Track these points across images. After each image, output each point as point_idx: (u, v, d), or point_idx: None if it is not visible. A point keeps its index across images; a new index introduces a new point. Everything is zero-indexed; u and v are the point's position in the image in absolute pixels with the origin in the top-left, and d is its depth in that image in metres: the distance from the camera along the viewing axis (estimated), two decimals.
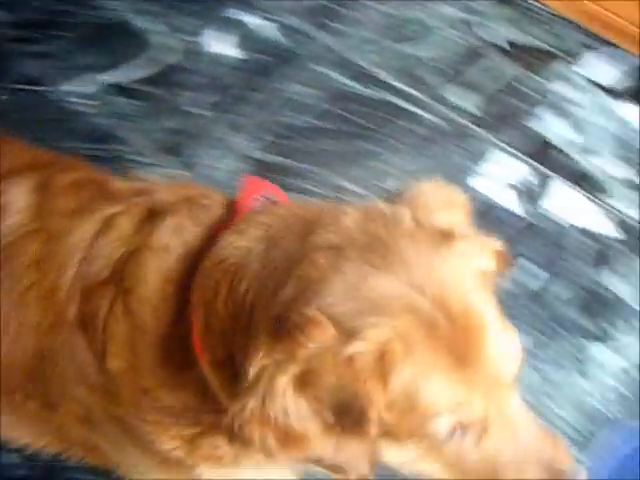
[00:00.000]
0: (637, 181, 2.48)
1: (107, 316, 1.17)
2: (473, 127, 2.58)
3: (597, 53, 2.80)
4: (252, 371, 0.95)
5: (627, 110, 2.67)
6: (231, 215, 1.17)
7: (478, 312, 0.98)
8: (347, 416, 0.95)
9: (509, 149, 2.54)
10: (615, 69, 2.77)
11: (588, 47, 2.81)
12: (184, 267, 1.14)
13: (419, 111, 2.60)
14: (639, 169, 2.51)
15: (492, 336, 0.98)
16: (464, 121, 2.59)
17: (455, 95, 2.65)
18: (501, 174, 2.48)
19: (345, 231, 1.01)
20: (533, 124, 2.61)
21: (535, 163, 2.52)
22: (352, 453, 0.98)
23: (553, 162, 2.51)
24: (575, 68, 2.77)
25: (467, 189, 2.38)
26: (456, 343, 0.95)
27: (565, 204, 2.43)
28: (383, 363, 0.93)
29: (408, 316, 0.94)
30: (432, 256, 0.99)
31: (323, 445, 0.98)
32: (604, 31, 2.79)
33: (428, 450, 1.01)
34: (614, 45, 2.81)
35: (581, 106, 2.67)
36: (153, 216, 1.20)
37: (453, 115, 2.60)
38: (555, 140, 2.58)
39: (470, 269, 1.01)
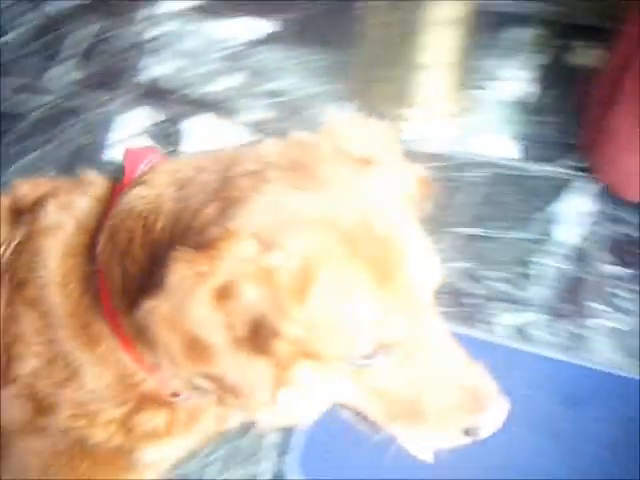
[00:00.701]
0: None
1: (6, 316, 1.08)
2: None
3: None
4: (170, 278, 0.89)
5: (216, 25, 2.75)
6: (120, 183, 1.11)
7: (399, 232, 0.97)
8: (260, 331, 0.91)
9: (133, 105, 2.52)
10: None
11: None
12: (84, 237, 1.08)
13: None
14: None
15: (413, 256, 0.97)
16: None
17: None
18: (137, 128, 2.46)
19: (266, 158, 1.00)
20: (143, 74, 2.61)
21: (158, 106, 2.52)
22: (258, 374, 0.94)
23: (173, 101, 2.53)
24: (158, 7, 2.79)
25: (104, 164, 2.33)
26: (377, 262, 0.93)
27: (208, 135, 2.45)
28: (302, 277, 0.91)
29: (329, 232, 0.92)
30: (353, 178, 0.99)
31: (229, 361, 0.93)
32: None
33: (349, 375, 0.99)
34: None
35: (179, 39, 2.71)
36: (24, 210, 1.13)
37: None
38: (168, 79, 2.60)
39: (390, 191, 1.01)
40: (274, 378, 0.95)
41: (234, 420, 1.26)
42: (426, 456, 1.13)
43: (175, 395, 1.12)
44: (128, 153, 1.15)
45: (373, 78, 2.35)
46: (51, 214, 1.10)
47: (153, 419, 1.13)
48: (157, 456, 1.21)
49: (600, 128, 2.21)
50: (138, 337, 0.99)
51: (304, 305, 0.91)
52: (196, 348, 0.92)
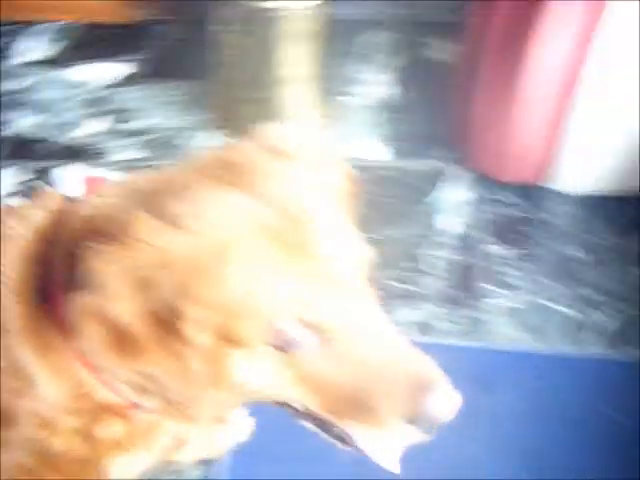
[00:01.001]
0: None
1: None
2: None
3: (22, 37, 2.79)
4: (94, 271, 0.90)
5: (71, 72, 2.71)
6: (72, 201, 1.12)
7: (314, 216, 0.98)
8: (176, 319, 0.91)
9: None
10: (40, 43, 2.78)
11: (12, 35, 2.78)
12: (42, 246, 1.08)
13: None
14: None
15: (329, 237, 0.97)
16: None
17: None
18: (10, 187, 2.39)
19: (197, 163, 1.04)
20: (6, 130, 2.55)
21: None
22: (191, 371, 0.94)
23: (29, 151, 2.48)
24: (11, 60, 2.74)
25: None
26: (291, 243, 0.94)
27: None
28: (210, 259, 0.91)
29: (241, 218, 0.94)
30: (273, 168, 1.01)
31: (157, 355, 0.93)
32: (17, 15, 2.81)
33: (282, 362, 0.97)
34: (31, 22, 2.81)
35: (37, 90, 2.65)
36: None
37: None
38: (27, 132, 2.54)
39: (310, 181, 1.03)
40: (209, 374, 0.95)
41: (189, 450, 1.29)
42: (391, 465, 1.09)
43: (132, 407, 1.11)
44: (87, 180, 1.17)
45: (238, 100, 2.35)
46: (9, 224, 1.11)
47: (112, 428, 1.13)
48: (124, 468, 1.20)
49: (466, 118, 2.27)
50: (66, 330, 0.99)
51: (212, 288, 0.92)
52: (123, 341, 0.92)
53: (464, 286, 2.16)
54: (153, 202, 0.97)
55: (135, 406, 1.11)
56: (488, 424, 1.90)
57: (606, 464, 1.85)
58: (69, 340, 1.04)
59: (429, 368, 0.99)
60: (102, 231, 0.97)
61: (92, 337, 0.92)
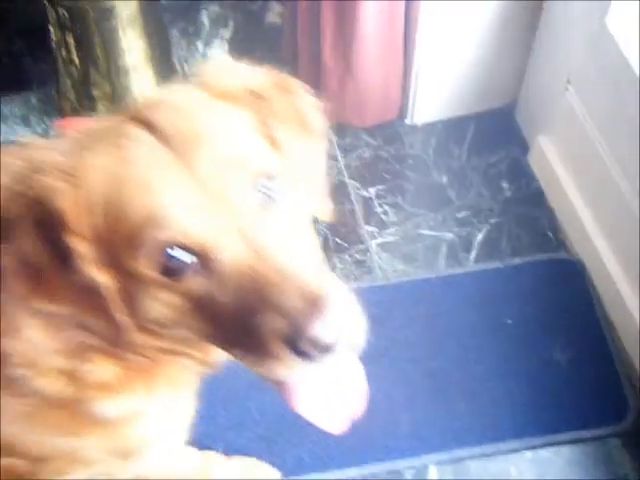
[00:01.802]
0: None
1: None
2: None
3: None
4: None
5: None
6: None
7: (198, 126, 0.95)
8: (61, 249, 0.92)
9: None
10: None
11: None
12: None
13: None
14: None
15: (214, 148, 0.94)
16: None
17: None
18: None
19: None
20: None
21: None
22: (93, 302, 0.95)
23: None
24: None
25: None
26: (159, 156, 0.92)
27: None
28: (83, 184, 0.93)
29: (118, 143, 0.94)
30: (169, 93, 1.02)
31: (64, 290, 0.94)
32: None
33: (169, 291, 0.94)
34: None
35: None
36: None
37: None
38: None
39: (201, 95, 1.01)
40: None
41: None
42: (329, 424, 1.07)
43: (126, 346, 1.05)
44: (59, 124, 1.18)
45: (91, 97, 2.34)
46: None
47: (100, 370, 1.10)
48: (117, 411, 1.15)
49: (314, 70, 2.32)
50: None
51: (92, 213, 0.92)
52: (31, 279, 0.94)
53: (346, 232, 2.26)
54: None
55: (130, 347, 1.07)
56: (390, 358, 2.02)
57: (506, 369, 2.01)
58: None
59: (321, 288, 0.91)
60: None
61: (9, 279, 0.93)
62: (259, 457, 1.85)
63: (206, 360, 1.17)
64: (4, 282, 0.95)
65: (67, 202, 0.92)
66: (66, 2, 2.08)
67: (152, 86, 2.31)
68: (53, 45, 2.25)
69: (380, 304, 2.09)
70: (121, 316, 0.97)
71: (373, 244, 2.23)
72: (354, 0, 2.02)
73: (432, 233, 2.25)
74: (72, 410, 1.15)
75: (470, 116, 2.45)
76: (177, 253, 0.91)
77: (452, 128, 2.45)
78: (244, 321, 0.92)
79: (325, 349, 0.91)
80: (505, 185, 2.34)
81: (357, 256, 2.22)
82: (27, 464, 1.24)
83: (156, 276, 0.93)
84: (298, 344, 0.89)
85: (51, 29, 2.21)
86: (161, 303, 0.96)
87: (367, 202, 2.31)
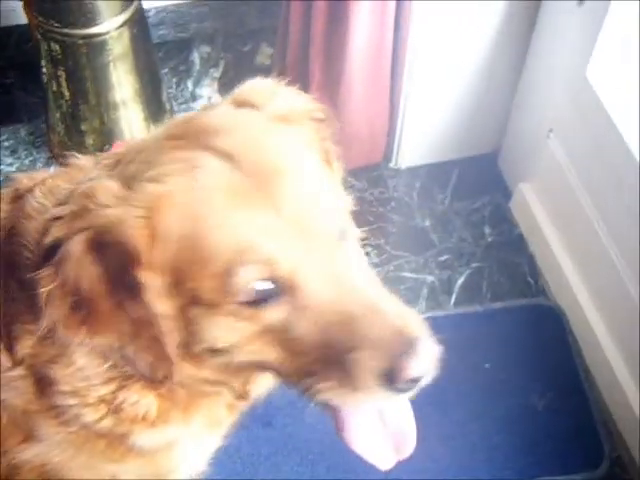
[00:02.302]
0: None
1: (3, 300, 1.09)
2: None
3: None
4: (49, 240, 0.92)
5: None
6: None
7: (280, 163, 0.94)
8: (126, 281, 0.91)
9: None
10: None
11: None
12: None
13: None
14: None
15: (296, 184, 0.93)
16: None
17: None
18: None
19: (167, 131, 1.03)
20: None
21: None
22: (153, 333, 0.94)
23: None
24: None
25: None
26: (247, 192, 0.91)
27: None
28: (153, 217, 0.90)
29: (187, 172, 0.92)
30: (236, 121, 1.00)
31: (119, 320, 0.93)
32: None
33: (249, 321, 0.93)
34: None
35: None
36: (21, 196, 1.15)
37: None
38: None
39: (278, 126, 1.00)
40: (176, 335, 0.95)
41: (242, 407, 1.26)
42: (381, 463, 1.07)
43: (165, 378, 1.04)
44: (114, 146, 1.18)
45: (80, 131, 2.36)
46: (36, 199, 1.12)
47: (141, 401, 1.11)
48: (156, 443, 1.17)
49: None
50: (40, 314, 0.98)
51: (159, 245, 0.91)
52: (85, 310, 0.93)
53: None
54: (121, 171, 0.99)
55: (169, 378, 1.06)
56: None
57: (483, 413, 2.01)
58: None
59: (412, 324, 0.93)
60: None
61: (57, 310, 0.93)
62: None
63: (244, 392, 1.18)
64: (55, 312, 0.95)
65: (138, 236, 0.91)
66: (59, 37, 2.11)
67: (140, 122, 2.33)
68: (44, 79, 2.28)
69: None
70: (172, 348, 0.97)
71: None
72: (342, 43, 2.06)
73: (413, 275, 2.27)
74: (112, 439, 1.16)
75: (454, 161, 2.49)
76: (263, 285, 0.91)
77: (436, 172, 2.48)
78: (330, 353, 0.92)
79: (415, 382, 0.94)
80: (487, 230, 2.36)
81: None
82: None
83: (237, 307, 0.92)
84: (395, 381, 0.91)
85: (43, 63, 2.23)
86: (234, 332, 0.95)
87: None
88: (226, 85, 2.67)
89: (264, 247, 0.90)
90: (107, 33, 2.10)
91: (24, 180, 1.21)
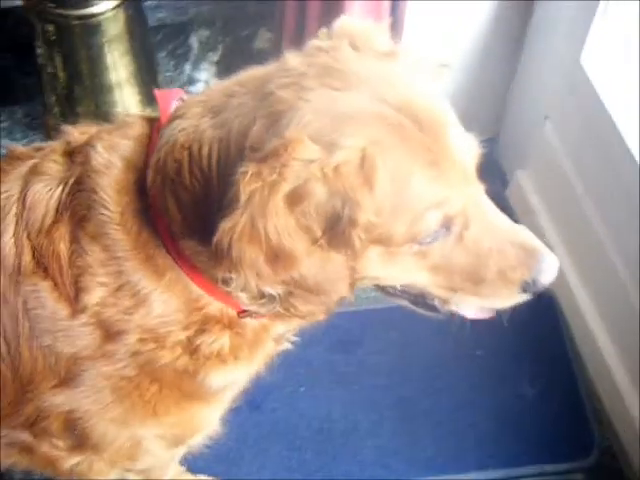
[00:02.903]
0: None
1: (71, 252, 1.12)
2: None
3: None
4: (242, 194, 0.94)
5: None
6: (158, 121, 1.14)
7: (441, 113, 1.03)
8: (336, 228, 0.97)
9: None
10: None
11: None
12: (133, 175, 1.12)
13: None
14: None
15: (456, 133, 1.03)
16: None
17: None
18: None
19: (295, 70, 1.03)
20: None
21: None
22: (336, 268, 1.01)
23: None
24: None
25: None
26: (427, 143, 0.99)
27: None
28: (366, 167, 0.96)
29: (379, 124, 0.98)
30: (386, 70, 1.05)
31: (310, 262, 0.99)
32: None
33: (418, 254, 1.05)
34: None
35: None
36: (76, 152, 1.17)
37: None
38: None
39: (421, 77, 1.08)
40: (351, 269, 1.03)
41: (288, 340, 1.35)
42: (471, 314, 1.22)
43: (242, 314, 1.16)
44: (158, 94, 1.18)
45: (75, 113, 2.36)
46: (100, 155, 1.13)
47: (217, 340, 1.17)
48: (224, 381, 1.24)
49: None
50: (216, 258, 1.00)
51: (372, 193, 0.97)
52: (280, 256, 0.98)
53: None
54: (272, 120, 1.00)
55: (248, 314, 1.16)
56: (359, 384, 2.03)
57: (473, 401, 2.01)
58: (181, 259, 1.10)
59: (533, 239, 1.11)
60: (228, 157, 1.02)
61: (251, 259, 0.97)
62: None
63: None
64: (246, 255, 0.98)
65: (356, 185, 0.97)
66: (54, 18, 2.10)
67: (136, 104, 2.33)
68: (39, 60, 2.27)
69: (351, 330, 2.10)
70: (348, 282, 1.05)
71: None
72: None
73: None
74: (179, 379, 1.21)
75: None
76: (438, 223, 1.03)
77: None
78: (479, 273, 1.09)
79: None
80: None
81: None
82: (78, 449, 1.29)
83: (416, 245, 1.04)
84: (533, 289, 1.12)
85: (38, 44, 2.23)
86: (405, 267, 1.07)
87: None
88: (224, 69, 2.66)
89: (453, 198, 1.01)
90: (102, 14, 2.09)
91: (75, 134, 1.22)
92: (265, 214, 0.95)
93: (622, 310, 1.90)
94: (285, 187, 0.95)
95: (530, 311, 2.11)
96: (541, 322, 2.13)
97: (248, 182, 0.95)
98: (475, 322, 2.05)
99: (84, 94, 2.28)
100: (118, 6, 2.09)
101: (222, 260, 0.99)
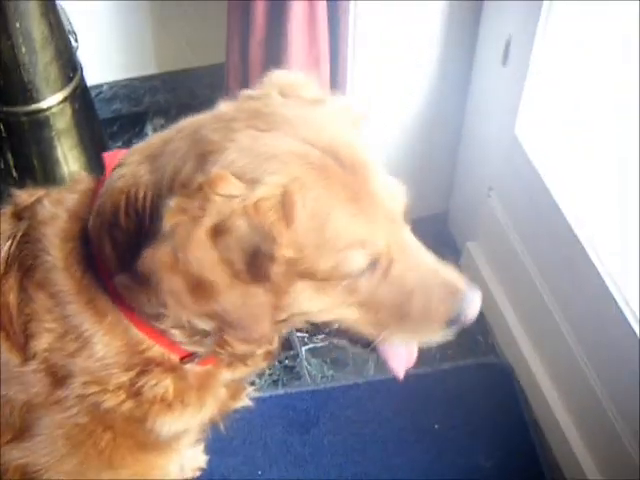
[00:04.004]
0: None
1: (19, 300, 1.16)
2: None
3: None
4: (166, 225, 0.98)
5: None
6: (104, 176, 1.19)
7: (364, 156, 1.07)
8: (256, 262, 1.00)
9: None
10: None
11: None
12: (77, 224, 1.17)
13: None
14: None
15: (380, 175, 1.07)
16: None
17: None
18: None
19: (225, 115, 1.09)
20: None
21: None
22: (257, 303, 1.03)
23: None
24: None
25: None
26: (349, 182, 1.03)
27: None
28: (285, 203, 0.99)
29: (301, 163, 1.02)
30: (311, 114, 1.09)
31: (231, 295, 1.02)
32: None
33: (345, 289, 1.08)
34: None
35: None
36: (24, 211, 1.22)
37: None
38: None
39: (347, 121, 1.12)
40: (273, 304, 1.05)
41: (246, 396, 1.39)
42: (400, 372, 1.26)
43: (184, 360, 1.20)
44: (106, 156, 1.22)
45: None
46: (46, 209, 1.18)
47: (160, 383, 1.20)
48: (173, 428, 1.25)
49: None
50: (141, 288, 1.03)
51: (291, 228, 1.00)
52: (199, 287, 1.00)
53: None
54: (202, 160, 1.04)
55: (189, 357, 1.20)
56: (315, 464, 2.01)
57: (431, 475, 1.99)
58: (121, 302, 1.14)
59: (457, 276, 1.15)
60: (159, 195, 1.06)
61: (171, 288, 1.00)
62: None
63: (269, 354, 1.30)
64: (170, 287, 1.01)
65: (274, 221, 1.00)
66: (2, 116, 2.14)
67: None
68: None
69: (307, 410, 2.09)
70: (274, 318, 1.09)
71: (303, 350, 2.23)
72: None
73: None
74: (128, 425, 1.22)
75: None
76: (366, 262, 1.06)
77: None
78: (404, 309, 1.12)
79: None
80: None
81: (287, 362, 2.22)
82: None
83: (342, 281, 1.07)
84: (457, 323, 1.15)
85: None
86: (332, 301, 1.10)
87: None
88: None
89: (377, 237, 1.05)
90: (49, 109, 2.13)
91: (24, 196, 1.27)
92: (187, 245, 0.99)
93: (575, 378, 1.90)
94: (207, 221, 0.99)
95: (487, 381, 2.14)
96: (498, 392, 2.13)
97: (173, 214, 0.99)
98: (431, 396, 2.06)
99: (36, 187, 2.30)
100: (64, 100, 2.13)
101: (146, 288, 1.02)
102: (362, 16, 1.91)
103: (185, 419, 1.26)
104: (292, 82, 1.16)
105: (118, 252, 1.12)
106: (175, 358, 1.20)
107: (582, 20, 1.72)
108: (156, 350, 1.19)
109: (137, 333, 1.17)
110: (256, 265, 1.01)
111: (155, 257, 0.99)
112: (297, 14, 1.75)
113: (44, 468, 1.24)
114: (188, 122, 1.14)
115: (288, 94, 1.13)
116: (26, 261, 1.17)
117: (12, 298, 1.17)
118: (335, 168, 1.03)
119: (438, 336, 1.18)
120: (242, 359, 1.23)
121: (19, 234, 1.20)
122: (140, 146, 1.18)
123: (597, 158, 1.79)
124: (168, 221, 0.99)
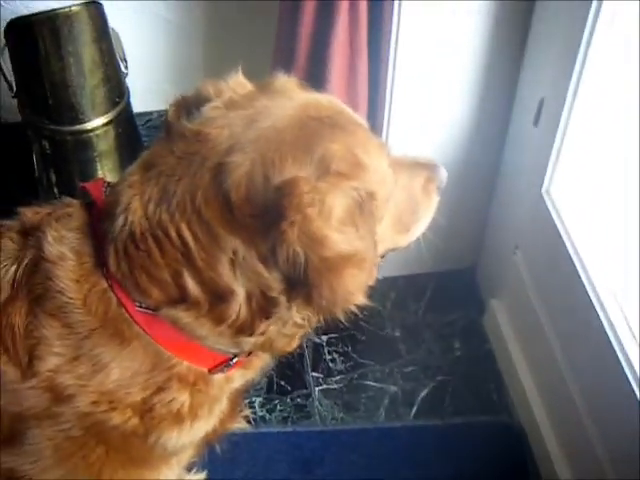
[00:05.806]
0: None
1: (27, 323, 1.16)
2: None
3: None
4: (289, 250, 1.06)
5: None
6: (95, 208, 1.22)
7: (337, 109, 1.23)
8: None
9: None
10: None
11: None
12: (87, 264, 1.18)
13: None
14: None
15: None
16: None
17: None
18: None
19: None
20: None
21: None
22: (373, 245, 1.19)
23: None
24: None
25: None
26: (353, 131, 1.19)
27: None
28: (351, 159, 1.15)
29: (333, 130, 1.16)
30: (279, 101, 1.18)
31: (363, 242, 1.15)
32: None
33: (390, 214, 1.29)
34: None
35: None
36: (28, 232, 1.23)
37: None
38: None
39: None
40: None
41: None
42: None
43: (213, 370, 1.23)
44: (88, 186, 1.26)
45: None
46: (52, 246, 1.19)
47: (177, 399, 1.22)
48: (181, 441, 1.26)
49: None
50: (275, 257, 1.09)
51: (368, 171, 1.17)
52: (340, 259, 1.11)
53: (291, 375, 2.27)
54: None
55: (219, 369, 1.24)
56: None
57: None
58: (151, 327, 1.17)
59: (424, 157, 1.39)
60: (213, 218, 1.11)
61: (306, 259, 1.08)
62: None
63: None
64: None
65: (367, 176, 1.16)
66: (48, 134, 2.22)
67: None
68: (36, 174, 2.39)
69: (313, 450, 2.09)
70: None
71: (316, 390, 2.24)
72: None
73: (377, 385, 2.26)
74: (126, 442, 1.23)
75: (431, 274, 2.50)
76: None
77: (412, 284, 2.49)
78: (415, 200, 1.36)
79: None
80: (457, 344, 2.36)
81: (298, 400, 2.22)
82: None
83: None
84: (440, 189, 1.38)
85: (34, 159, 2.34)
86: (389, 223, 1.32)
87: (318, 348, 2.34)
88: None
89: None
90: (93, 130, 2.20)
91: (28, 214, 1.29)
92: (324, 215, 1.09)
93: (585, 452, 1.86)
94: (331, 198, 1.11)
95: (497, 440, 2.11)
96: (508, 453, 2.11)
97: (300, 193, 1.07)
98: (440, 450, 2.04)
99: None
100: (108, 123, 2.21)
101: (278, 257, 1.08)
102: (401, 67, 1.95)
103: (194, 432, 1.28)
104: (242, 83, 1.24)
105: (164, 290, 1.15)
106: (201, 370, 1.23)
107: (613, 82, 1.73)
108: (184, 366, 1.21)
109: (165, 352, 1.19)
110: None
111: (289, 232, 1.05)
112: (339, 43, 1.80)
113: (28, 475, 1.24)
114: (164, 139, 1.23)
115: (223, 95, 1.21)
116: (35, 289, 1.18)
117: (19, 320, 1.18)
118: (342, 124, 1.18)
119: (434, 206, 1.38)
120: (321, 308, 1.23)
121: (25, 260, 1.21)
122: (129, 181, 1.18)
123: (622, 221, 1.77)
124: (287, 243, 1.06)
